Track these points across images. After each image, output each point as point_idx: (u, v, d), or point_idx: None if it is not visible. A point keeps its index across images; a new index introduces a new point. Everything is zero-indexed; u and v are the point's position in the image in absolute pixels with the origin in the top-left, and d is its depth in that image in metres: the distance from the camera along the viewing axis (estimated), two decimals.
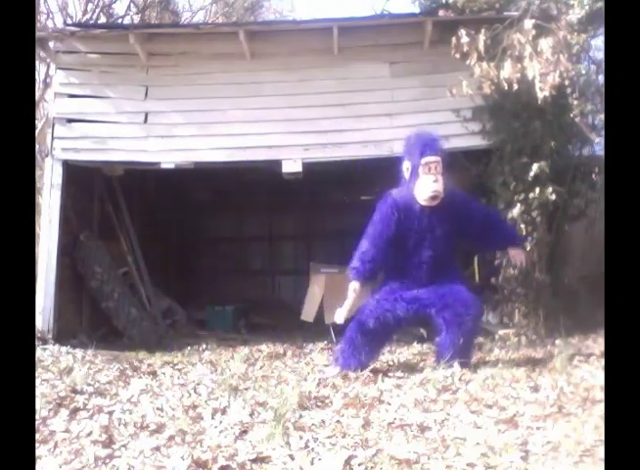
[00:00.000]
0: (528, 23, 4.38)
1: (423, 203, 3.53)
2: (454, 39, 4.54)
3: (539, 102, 4.47)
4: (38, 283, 5.13)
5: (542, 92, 4.29)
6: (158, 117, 5.53)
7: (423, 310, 3.59)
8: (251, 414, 2.71)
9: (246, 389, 3.28)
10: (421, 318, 3.75)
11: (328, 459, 2.12)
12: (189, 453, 2.18)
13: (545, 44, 4.30)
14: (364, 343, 3.60)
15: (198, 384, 3.48)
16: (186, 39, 5.57)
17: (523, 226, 4.94)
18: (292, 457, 2.15)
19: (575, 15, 4.76)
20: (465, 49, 4.48)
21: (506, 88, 4.43)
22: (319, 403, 2.91)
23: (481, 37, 4.43)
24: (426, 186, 3.48)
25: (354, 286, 3.61)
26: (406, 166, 3.60)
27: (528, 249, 4.92)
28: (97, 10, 9.86)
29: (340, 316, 3.60)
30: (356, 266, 3.61)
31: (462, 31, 4.50)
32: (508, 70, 4.29)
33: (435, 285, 3.59)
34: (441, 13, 5.02)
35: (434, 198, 3.49)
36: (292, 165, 5.32)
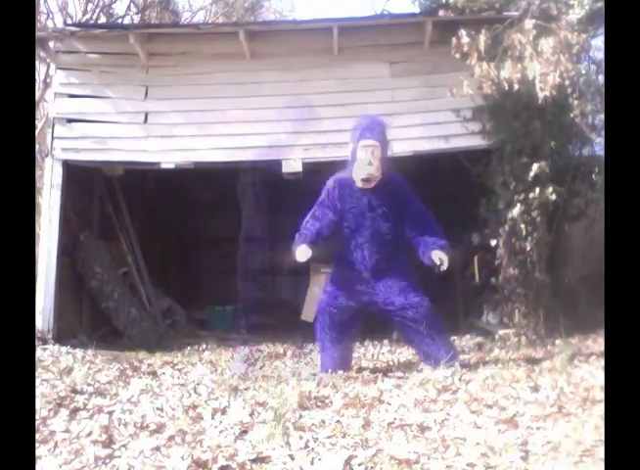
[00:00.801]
0: (529, 23, 4.38)
1: (358, 184, 3.61)
2: (454, 39, 4.54)
3: (540, 102, 4.47)
4: (38, 283, 5.13)
5: (543, 92, 4.29)
6: (158, 116, 5.53)
7: (375, 307, 3.72)
8: (251, 414, 2.71)
9: (246, 389, 3.28)
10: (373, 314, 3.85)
11: (328, 459, 2.12)
12: (189, 453, 2.18)
13: (545, 44, 4.29)
14: (332, 343, 3.70)
15: (198, 384, 3.47)
16: (186, 39, 5.57)
17: (523, 226, 4.94)
18: (292, 457, 2.14)
19: (575, 15, 4.76)
20: (465, 49, 4.47)
21: (506, 88, 4.43)
22: (319, 403, 2.90)
23: (482, 37, 4.43)
24: (361, 168, 3.56)
25: (301, 249, 3.58)
26: (349, 149, 3.71)
27: (529, 249, 4.93)
28: (97, 10, 9.85)
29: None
30: (300, 231, 3.69)
31: (462, 32, 4.49)
32: (508, 71, 4.28)
33: (385, 279, 3.64)
34: (441, 13, 5.02)
35: (366, 180, 3.57)
36: (292, 165, 5.33)
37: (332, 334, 3.70)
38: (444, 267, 3.67)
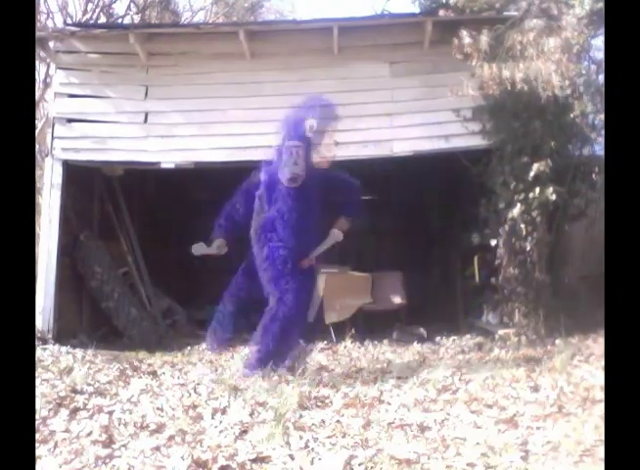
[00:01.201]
0: (529, 24, 4.39)
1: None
2: (456, 40, 4.54)
3: (541, 102, 4.48)
4: (38, 283, 5.13)
5: (545, 92, 4.29)
6: (157, 116, 5.53)
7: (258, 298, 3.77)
8: (251, 414, 2.71)
9: (245, 389, 3.28)
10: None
11: (328, 459, 2.12)
12: (189, 453, 2.18)
13: (546, 44, 4.30)
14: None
15: (198, 384, 3.47)
16: (186, 39, 5.57)
17: (523, 226, 4.94)
18: (292, 457, 2.14)
19: (576, 15, 4.76)
20: (467, 50, 4.48)
21: (509, 89, 4.43)
22: (319, 403, 2.90)
23: (484, 38, 4.44)
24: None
25: (218, 243, 3.94)
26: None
27: (529, 248, 4.92)
28: (97, 10, 9.85)
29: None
30: (219, 222, 3.95)
31: (464, 32, 4.50)
32: (511, 71, 4.28)
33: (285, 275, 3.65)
34: (441, 13, 5.02)
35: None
36: None
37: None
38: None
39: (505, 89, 4.49)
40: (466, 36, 4.48)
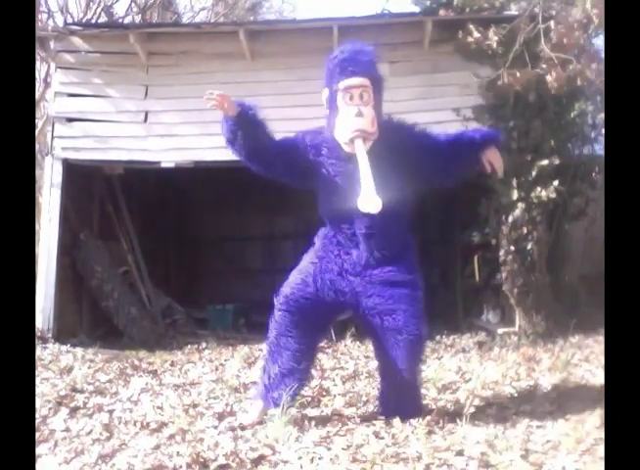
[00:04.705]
0: (529, 23, 4.40)
1: (345, 148, 2.49)
2: (461, 38, 4.57)
3: (541, 101, 4.49)
4: (38, 282, 5.13)
5: (552, 92, 4.32)
6: (158, 116, 5.53)
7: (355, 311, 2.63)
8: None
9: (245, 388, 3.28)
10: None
11: (328, 459, 2.12)
12: (189, 452, 2.18)
13: (547, 44, 4.31)
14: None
15: (198, 383, 3.48)
16: (186, 39, 5.57)
17: (523, 225, 4.94)
18: (292, 457, 2.15)
19: (576, 15, 4.76)
20: (472, 46, 4.50)
21: (521, 90, 4.44)
22: (319, 403, 2.90)
23: (493, 37, 4.46)
24: (346, 123, 2.46)
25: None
26: (324, 96, 2.65)
27: (529, 247, 4.92)
28: (98, 9, 9.84)
29: None
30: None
31: (471, 29, 4.53)
32: (526, 75, 4.29)
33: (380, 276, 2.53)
34: (442, 12, 5.01)
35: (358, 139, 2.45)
36: None
37: (289, 332, 2.58)
38: (500, 173, 2.67)
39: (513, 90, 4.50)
40: (473, 33, 4.49)
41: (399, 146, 2.55)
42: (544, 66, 4.31)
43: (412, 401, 2.61)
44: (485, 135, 2.62)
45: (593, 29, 4.29)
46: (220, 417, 2.68)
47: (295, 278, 2.59)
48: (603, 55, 4.84)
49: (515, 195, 5.00)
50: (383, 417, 2.58)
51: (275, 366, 2.57)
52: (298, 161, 2.61)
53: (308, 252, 2.70)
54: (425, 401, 2.79)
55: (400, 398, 2.58)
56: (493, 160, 2.58)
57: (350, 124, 2.43)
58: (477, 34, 4.50)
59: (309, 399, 2.90)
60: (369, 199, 2.33)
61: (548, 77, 4.26)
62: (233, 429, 2.49)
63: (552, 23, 4.30)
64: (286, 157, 2.63)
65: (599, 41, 5.00)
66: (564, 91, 4.41)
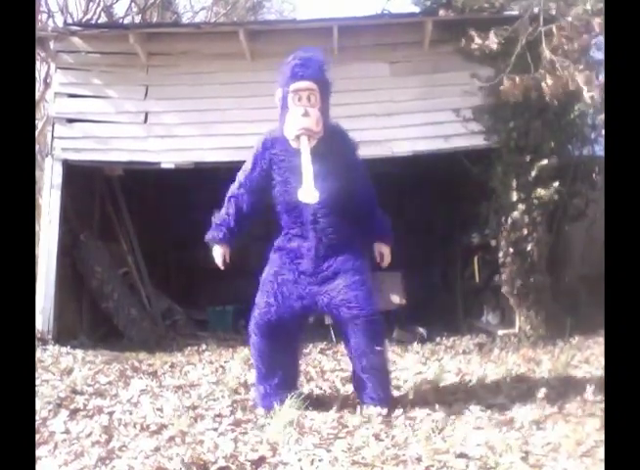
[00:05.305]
0: (530, 23, 4.40)
1: (292, 144, 2.73)
2: (465, 43, 4.58)
3: (544, 101, 4.49)
4: (38, 283, 5.13)
5: (548, 95, 4.32)
6: (158, 116, 5.52)
7: (319, 310, 2.88)
8: (251, 414, 2.71)
9: (246, 389, 3.28)
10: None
11: (328, 461, 2.12)
12: (189, 454, 2.18)
13: (548, 45, 4.31)
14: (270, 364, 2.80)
15: (198, 384, 3.47)
16: (186, 39, 5.56)
17: (523, 226, 4.94)
18: (292, 459, 2.14)
19: (576, 15, 4.76)
20: (473, 47, 4.51)
21: (523, 93, 4.44)
22: (319, 403, 2.90)
23: (493, 39, 4.46)
24: (294, 121, 2.68)
25: (216, 253, 2.94)
26: (278, 96, 2.83)
27: (529, 249, 4.92)
28: (97, 10, 9.84)
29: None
30: (218, 219, 2.93)
31: (472, 35, 4.54)
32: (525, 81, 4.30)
33: (333, 274, 2.74)
34: (442, 13, 5.01)
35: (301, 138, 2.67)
36: None
37: (268, 352, 2.76)
38: (385, 263, 3.02)
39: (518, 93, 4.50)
40: (476, 37, 4.50)
41: (342, 149, 2.86)
42: (541, 71, 4.32)
43: (381, 387, 2.75)
44: (382, 231, 2.99)
45: (594, 35, 4.30)
46: (220, 419, 2.68)
47: (259, 302, 2.81)
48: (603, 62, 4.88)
49: (515, 196, 5.00)
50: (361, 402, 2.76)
51: (267, 380, 2.80)
52: (264, 176, 2.88)
53: (266, 268, 2.92)
54: (425, 402, 2.79)
55: (369, 384, 2.73)
56: (384, 253, 3.01)
57: (297, 123, 2.68)
58: (478, 40, 4.51)
59: (309, 400, 2.90)
60: (308, 191, 2.60)
61: (543, 84, 4.27)
62: (233, 431, 2.49)
63: (554, 27, 4.30)
64: (260, 194, 2.91)
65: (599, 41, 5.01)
66: (561, 96, 4.41)
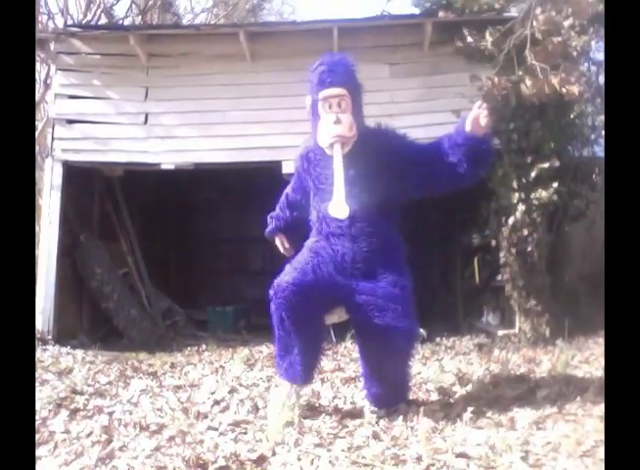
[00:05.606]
0: (530, 24, 4.40)
1: (327, 151, 2.67)
2: (459, 42, 4.58)
3: (543, 102, 4.50)
4: (38, 284, 5.14)
5: (548, 96, 4.33)
6: (158, 117, 5.53)
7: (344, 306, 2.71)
8: (252, 414, 2.71)
9: (246, 389, 3.28)
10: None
11: (327, 461, 2.12)
12: (189, 454, 2.18)
13: (549, 45, 4.32)
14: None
15: (198, 385, 3.47)
16: (186, 40, 5.58)
17: (523, 227, 4.94)
18: (292, 458, 2.14)
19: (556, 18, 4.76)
20: (471, 48, 4.51)
21: (514, 93, 4.45)
22: (319, 404, 2.90)
23: (489, 38, 4.47)
24: (326, 129, 2.63)
25: (278, 242, 3.15)
26: (308, 103, 2.81)
27: (529, 249, 4.91)
28: (98, 11, 9.85)
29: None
30: (272, 215, 3.19)
31: (465, 34, 4.53)
32: (526, 83, 4.31)
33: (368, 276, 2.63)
34: (441, 14, 5.02)
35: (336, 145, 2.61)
36: (292, 166, 5.31)
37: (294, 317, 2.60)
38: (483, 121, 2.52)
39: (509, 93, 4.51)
40: (469, 37, 4.50)
41: (379, 148, 2.71)
42: (520, 73, 4.33)
43: (397, 395, 2.72)
44: (461, 126, 2.63)
45: (580, 38, 4.31)
46: (220, 419, 2.68)
47: (292, 267, 2.62)
48: (587, 65, 4.89)
49: (515, 197, 5.00)
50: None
51: (288, 352, 2.67)
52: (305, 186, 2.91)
53: (302, 249, 2.78)
54: (426, 402, 2.79)
55: (379, 385, 2.68)
56: (479, 115, 2.53)
57: (330, 131, 2.61)
58: (470, 39, 4.51)
59: (309, 400, 2.90)
60: (338, 205, 2.53)
61: (522, 86, 4.29)
62: (233, 431, 2.49)
63: (537, 31, 4.32)
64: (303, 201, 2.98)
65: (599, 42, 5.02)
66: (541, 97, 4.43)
